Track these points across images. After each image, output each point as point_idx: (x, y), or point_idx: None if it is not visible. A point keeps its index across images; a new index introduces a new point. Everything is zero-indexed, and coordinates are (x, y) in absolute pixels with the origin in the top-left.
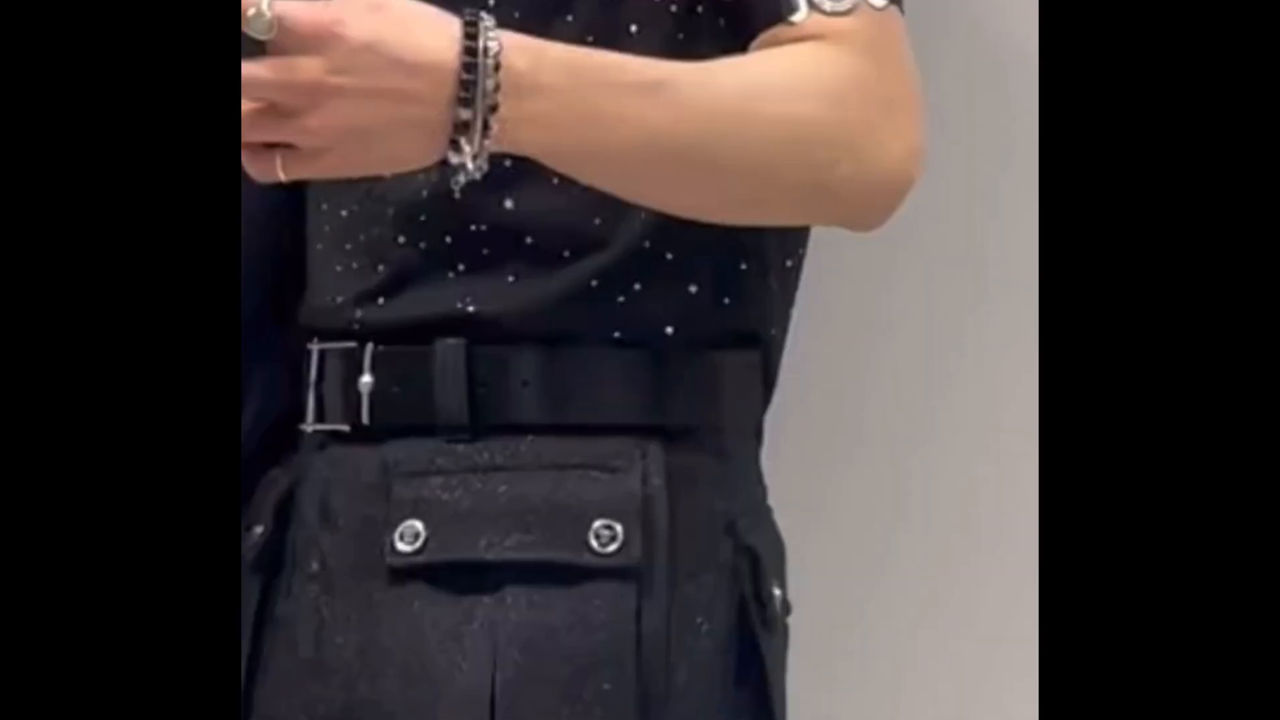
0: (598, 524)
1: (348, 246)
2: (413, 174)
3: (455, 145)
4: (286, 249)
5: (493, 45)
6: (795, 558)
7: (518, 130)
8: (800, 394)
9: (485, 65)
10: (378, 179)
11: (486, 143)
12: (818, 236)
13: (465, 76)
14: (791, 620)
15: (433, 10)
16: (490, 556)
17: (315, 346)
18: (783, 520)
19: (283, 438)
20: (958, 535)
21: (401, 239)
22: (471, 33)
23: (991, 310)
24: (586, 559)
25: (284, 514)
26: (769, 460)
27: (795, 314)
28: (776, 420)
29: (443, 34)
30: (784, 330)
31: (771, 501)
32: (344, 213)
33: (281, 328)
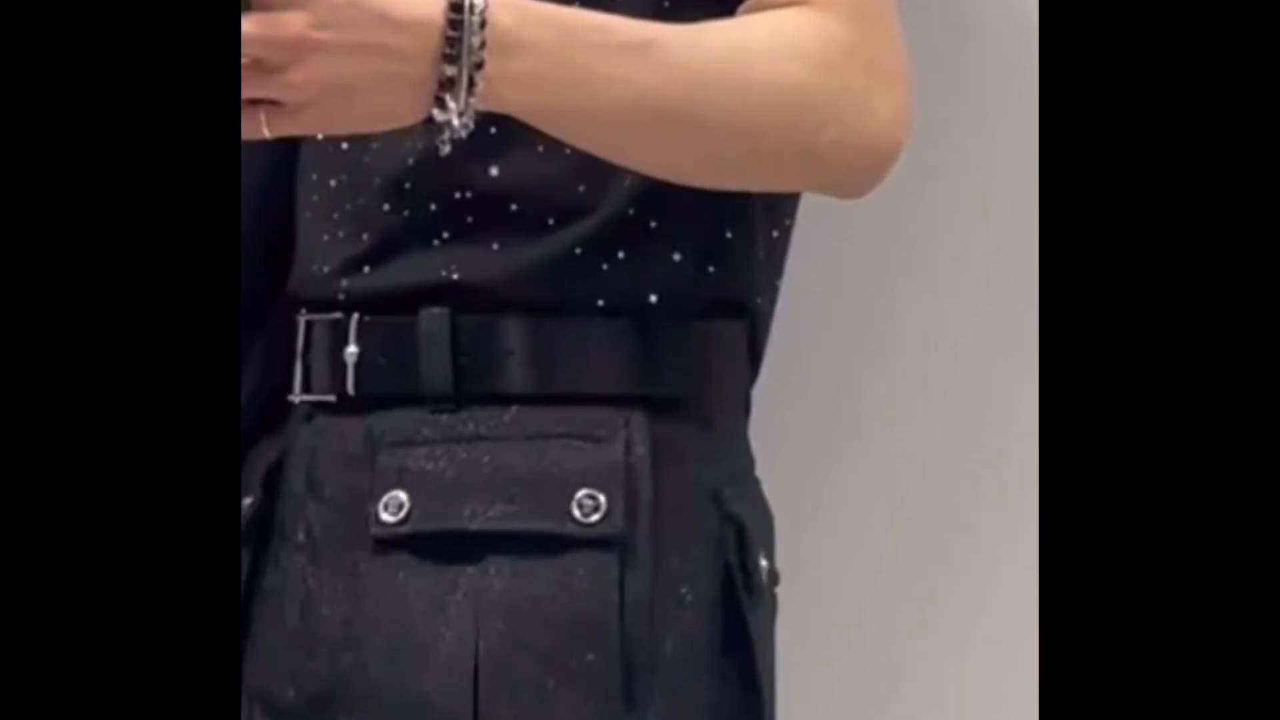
0: (581, 494)
1: (335, 216)
2: (400, 142)
3: (440, 103)
4: (279, 222)
5: (479, 2)
6: (795, 554)
7: (503, 88)
8: (801, 391)
9: (471, 22)
10: (366, 148)
11: (472, 100)
12: (822, 234)
13: (451, 33)
14: (789, 617)
15: None
16: (474, 527)
17: (302, 317)
18: (782, 515)
19: (276, 411)
20: (957, 533)
21: (387, 207)
22: None
23: (993, 308)
24: (569, 529)
25: (272, 485)
26: (769, 456)
27: (797, 314)
28: (777, 417)
29: None
30: (771, 301)
31: (771, 497)
32: (333, 182)
33: (275, 301)
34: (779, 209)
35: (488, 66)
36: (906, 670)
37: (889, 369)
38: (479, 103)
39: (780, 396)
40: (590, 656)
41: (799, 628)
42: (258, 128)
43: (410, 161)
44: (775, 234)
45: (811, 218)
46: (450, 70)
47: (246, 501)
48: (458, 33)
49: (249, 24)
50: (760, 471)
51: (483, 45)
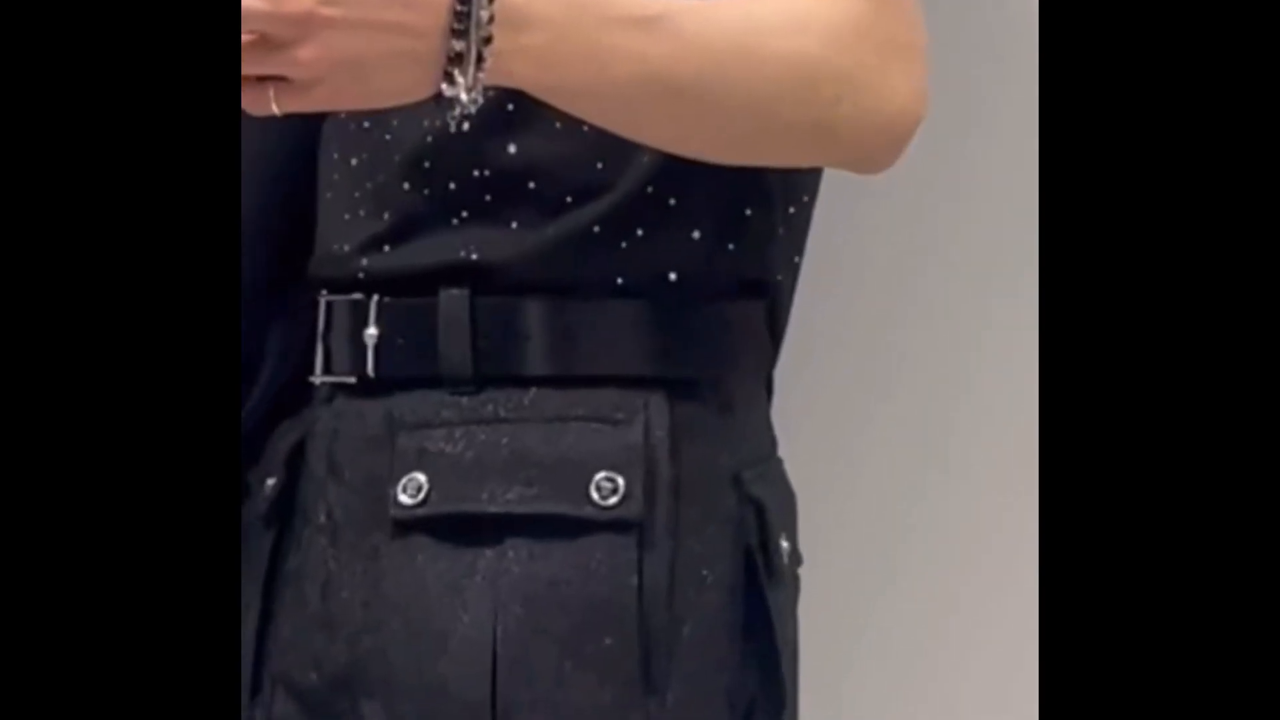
0: (599, 476)
1: (356, 195)
2: (419, 120)
3: (449, 78)
4: (302, 204)
5: None
6: (813, 536)
7: (512, 62)
8: (818, 374)
9: None
10: (387, 126)
11: (480, 75)
12: (839, 219)
13: (459, 8)
14: (809, 597)
15: None
16: (492, 509)
17: (323, 298)
18: (800, 497)
19: (299, 393)
20: (973, 516)
21: (406, 185)
22: None
23: (1002, 294)
24: (588, 511)
25: (295, 466)
26: (786, 439)
27: (816, 297)
28: (794, 400)
29: None
30: (792, 279)
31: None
32: (353, 161)
33: (298, 282)
34: (797, 185)
35: (496, 41)
36: (925, 652)
37: (906, 353)
38: (488, 78)
39: (797, 379)
40: (608, 640)
41: (819, 608)
42: (266, 104)
43: (429, 140)
44: (793, 210)
45: (830, 201)
46: (459, 45)
47: (270, 482)
48: (466, 7)
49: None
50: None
51: (491, 20)
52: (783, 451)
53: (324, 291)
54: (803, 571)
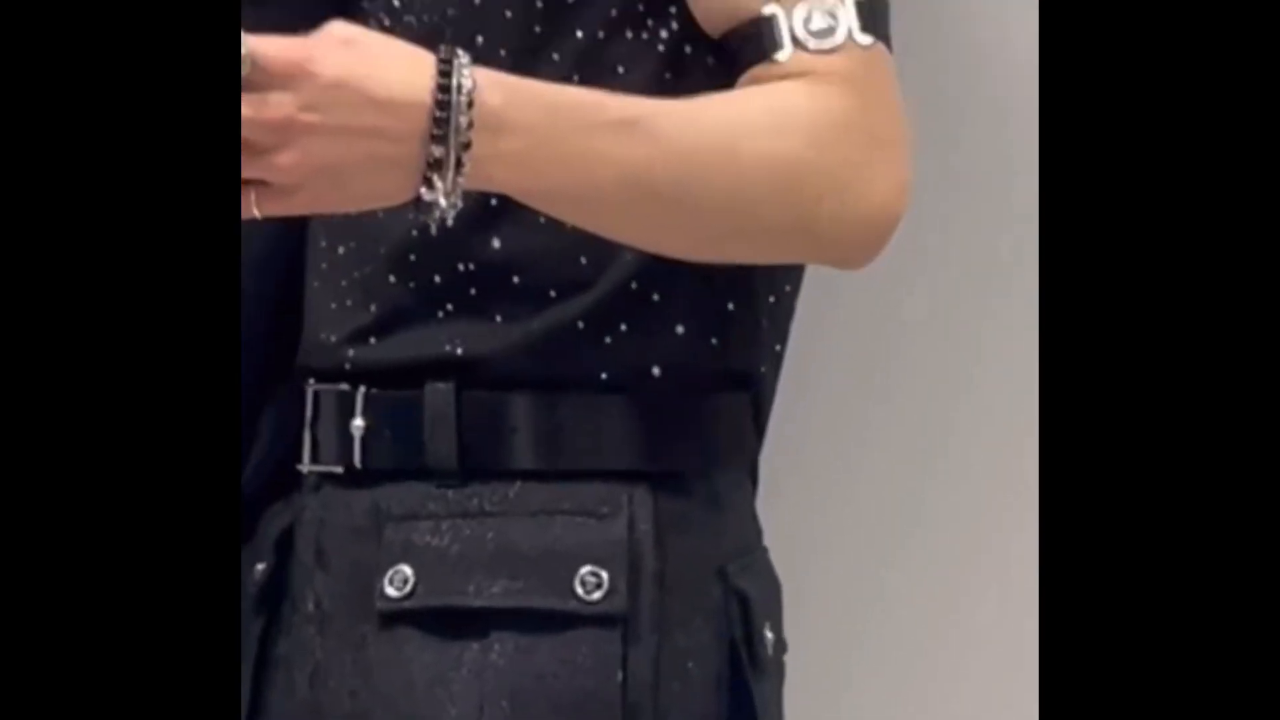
0: (584, 571)
1: (343, 284)
2: (404, 212)
3: (428, 182)
4: (290, 290)
5: (466, 82)
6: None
7: (491, 167)
8: (804, 407)
9: (458, 102)
10: (374, 215)
11: (460, 180)
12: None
13: (438, 114)
14: (802, 624)
15: (407, 47)
16: (478, 603)
17: (310, 387)
18: (787, 533)
19: (289, 476)
20: (959, 550)
21: (392, 278)
22: (445, 69)
23: (995, 321)
24: (572, 606)
25: (284, 552)
26: (768, 472)
27: (805, 318)
28: (788, 419)
29: (416, 70)
30: (775, 369)
31: (772, 518)
32: (340, 250)
33: (287, 367)
34: (780, 278)
35: (475, 147)
36: (925, 653)
37: (905, 356)
38: (467, 182)
39: (797, 380)
40: None
41: (819, 616)
42: (247, 208)
43: (414, 233)
44: (772, 300)
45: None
46: (438, 151)
47: (259, 568)
48: (445, 113)
49: None
50: (763, 503)
51: (470, 125)
52: (782, 458)
53: (311, 380)
54: (801, 578)
